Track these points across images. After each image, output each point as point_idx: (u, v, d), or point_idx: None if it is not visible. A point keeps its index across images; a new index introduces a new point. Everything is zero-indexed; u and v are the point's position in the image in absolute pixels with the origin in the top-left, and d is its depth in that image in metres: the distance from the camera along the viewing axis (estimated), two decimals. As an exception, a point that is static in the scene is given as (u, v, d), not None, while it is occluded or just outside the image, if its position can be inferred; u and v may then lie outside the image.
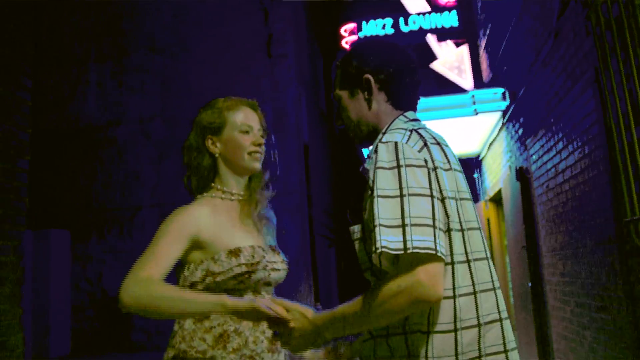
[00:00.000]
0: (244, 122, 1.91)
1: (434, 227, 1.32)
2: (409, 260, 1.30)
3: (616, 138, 3.45)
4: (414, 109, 1.67)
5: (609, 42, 3.44)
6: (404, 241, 1.30)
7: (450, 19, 9.49)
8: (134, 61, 9.33)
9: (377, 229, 1.32)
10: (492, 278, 1.52)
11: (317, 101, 12.48)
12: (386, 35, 9.72)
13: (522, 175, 6.58)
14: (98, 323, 8.59)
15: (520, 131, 6.61)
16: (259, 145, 1.91)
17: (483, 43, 8.83)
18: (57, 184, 9.02)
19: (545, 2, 5.11)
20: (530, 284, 6.46)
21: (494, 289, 1.50)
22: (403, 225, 1.31)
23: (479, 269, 1.46)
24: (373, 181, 1.39)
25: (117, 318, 8.58)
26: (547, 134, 5.38)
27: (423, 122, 1.64)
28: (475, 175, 10.21)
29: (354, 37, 10.03)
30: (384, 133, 1.56)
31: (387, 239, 1.30)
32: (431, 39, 9.32)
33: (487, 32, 8.38)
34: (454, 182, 1.49)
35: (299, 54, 9.85)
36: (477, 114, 7.24)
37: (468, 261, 1.44)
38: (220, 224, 1.83)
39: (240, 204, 1.94)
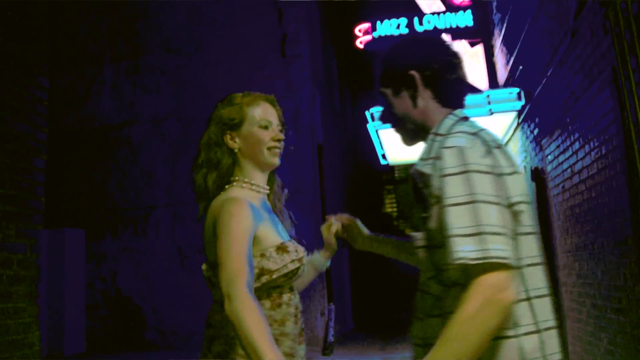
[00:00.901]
0: (263, 117, 1.89)
1: (506, 235, 1.30)
2: (483, 269, 1.28)
3: (635, 138, 3.41)
4: (462, 106, 1.62)
5: (628, 41, 3.40)
6: (482, 250, 1.27)
7: (465, 19, 9.44)
8: (148, 61, 9.39)
9: (452, 240, 1.30)
10: (546, 284, 1.48)
11: (331, 101, 12.47)
12: (400, 35, 9.68)
13: (537, 175, 6.53)
14: (112, 321, 8.65)
15: (536, 131, 6.56)
16: (279, 140, 1.89)
17: (498, 43, 8.78)
18: (72, 183, 9.09)
19: (561, 1, 5.07)
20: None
21: (548, 295, 1.46)
22: (479, 234, 1.28)
23: (534, 275, 1.43)
24: (440, 189, 1.36)
25: (131, 317, 8.63)
26: (563, 134, 5.33)
27: (473, 120, 1.59)
28: (490, 176, 10.15)
29: (369, 37, 10.00)
30: (437, 133, 1.52)
31: (464, 249, 1.28)
32: (446, 38, 9.26)
33: (502, 32, 8.33)
34: (517, 185, 1.43)
35: (313, 54, 9.84)
36: (492, 113, 7.19)
37: (530, 265, 1.42)
38: (263, 215, 1.80)
39: (267, 198, 1.93)
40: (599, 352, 4.66)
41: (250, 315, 1.49)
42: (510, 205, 1.36)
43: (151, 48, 9.42)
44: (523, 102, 6.99)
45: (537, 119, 6.50)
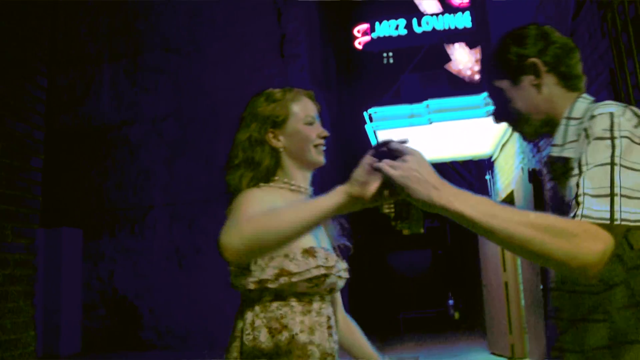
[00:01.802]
0: (308, 114, 1.78)
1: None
2: (612, 231, 1.20)
3: (631, 140, 3.41)
4: (584, 90, 1.54)
5: (625, 44, 3.40)
6: (612, 212, 1.20)
7: (463, 20, 9.46)
8: (148, 61, 9.39)
9: (581, 198, 1.23)
10: None
11: (329, 101, 12.47)
12: (399, 36, 9.69)
13: (534, 177, 6.53)
14: (109, 321, 8.64)
15: (534, 133, 6.57)
16: (324, 137, 1.79)
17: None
18: (70, 182, 9.09)
19: (560, 3, 5.08)
20: (541, 287, 6.42)
21: None
22: (612, 195, 1.21)
23: None
24: (584, 155, 1.28)
25: (128, 317, 8.63)
26: (561, 136, 5.33)
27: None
28: (487, 177, 10.16)
29: (367, 38, 10.02)
30: (571, 117, 1.45)
31: (592, 208, 1.21)
32: (444, 40, 9.29)
33: (501, 33, 8.34)
34: None
35: (312, 54, 9.85)
36: (489, 115, 7.20)
37: None
38: None
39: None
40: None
41: (250, 226, 1.38)
42: None
43: (150, 48, 9.42)
44: (521, 103, 7.00)
45: (535, 120, 6.52)
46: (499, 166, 9.24)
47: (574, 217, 1.21)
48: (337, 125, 13.88)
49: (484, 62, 1.66)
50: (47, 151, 4.31)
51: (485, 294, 9.72)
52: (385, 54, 21.54)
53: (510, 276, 8.44)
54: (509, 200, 8.45)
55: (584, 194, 1.23)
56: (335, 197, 1.32)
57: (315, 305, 1.66)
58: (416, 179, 1.22)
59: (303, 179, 1.79)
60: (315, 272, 1.61)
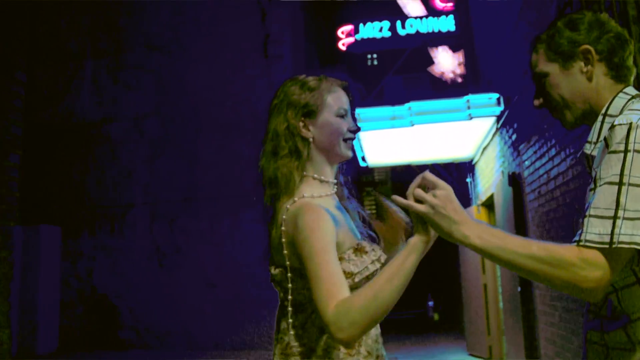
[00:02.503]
0: (341, 106, 1.72)
1: None
2: (613, 255, 1.23)
3: (608, 145, 3.45)
4: (631, 83, 1.51)
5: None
6: (612, 234, 1.22)
7: (447, 24, 9.52)
8: (130, 58, 9.32)
9: (586, 220, 1.26)
10: None
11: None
12: (383, 38, 9.73)
13: (514, 180, 6.60)
14: (87, 320, 8.56)
15: (514, 137, 6.63)
16: (355, 131, 1.74)
17: (479, 48, 8.86)
18: (49, 179, 8.99)
19: (541, 9, 5.14)
20: (519, 289, 6.49)
21: None
22: (615, 218, 1.22)
23: None
24: (600, 167, 1.30)
25: (107, 316, 8.56)
26: (540, 140, 5.40)
27: None
28: (468, 180, 10.24)
29: (351, 40, 10.05)
30: (608, 114, 1.44)
31: (594, 232, 1.24)
32: (428, 42, 9.35)
33: (484, 38, 8.41)
34: None
35: (296, 55, 9.85)
36: (471, 118, 7.26)
37: None
38: (337, 216, 1.63)
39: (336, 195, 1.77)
40: (570, 354, 4.73)
41: (360, 320, 1.40)
42: None
43: (133, 45, 9.36)
44: (502, 107, 7.06)
45: (515, 124, 6.58)
46: (479, 169, 9.31)
47: (578, 239, 1.26)
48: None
49: (532, 41, 1.61)
50: (26, 147, 4.26)
51: (464, 296, 9.79)
52: (369, 56, 21.58)
53: (489, 279, 8.51)
54: (489, 203, 8.53)
55: (589, 215, 1.26)
56: (417, 251, 1.43)
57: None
58: (440, 215, 1.35)
59: (331, 172, 1.74)
60: (372, 268, 1.62)
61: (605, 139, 1.33)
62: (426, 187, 1.40)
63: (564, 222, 4.77)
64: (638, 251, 1.27)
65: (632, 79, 1.51)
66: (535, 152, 5.64)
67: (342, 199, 1.79)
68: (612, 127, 1.31)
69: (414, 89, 9.71)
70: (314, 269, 1.47)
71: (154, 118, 9.10)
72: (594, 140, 1.43)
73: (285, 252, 1.57)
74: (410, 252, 1.43)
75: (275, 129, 1.71)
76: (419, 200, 1.39)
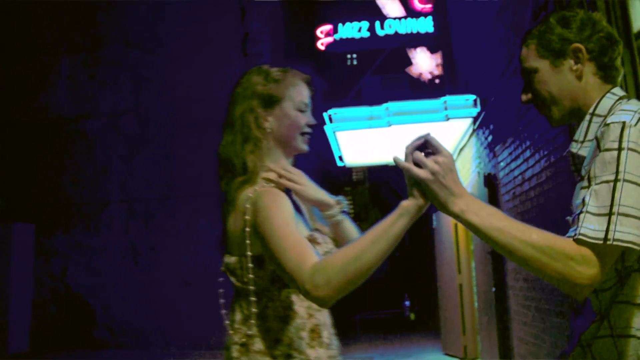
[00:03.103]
0: (302, 100, 1.73)
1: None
2: (607, 252, 1.24)
3: (581, 148, 3.51)
4: (618, 84, 1.51)
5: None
6: (606, 231, 1.23)
7: (425, 25, 9.58)
8: (107, 54, 9.23)
9: (582, 215, 1.26)
10: None
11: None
12: (362, 39, 9.76)
13: (490, 181, 6.66)
14: (60, 319, 8.46)
15: (490, 138, 6.70)
16: (312, 126, 1.75)
17: (457, 49, 8.93)
18: (24, 176, 8.86)
19: (517, 12, 5.20)
20: (494, 289, 6.55)
21: None
22: (610, 214, 1.23)
23: None
24: (593, 167, 1.30)
25: (81, 314, 8.46)
26: (515, 142, 5.46)
27: (635, 100, 1.46)
28: (445, 181, 10.31)
29: (330, 39, 10.06)
30: (596, 114, 1.44)
31: (589, 227, 1.24)
32: (406, 43, 9.40)
33: (462, 40, 8.48)
34: None
35: (275, 53, 9.83)
36: (448, 119, 7.31)
37: None
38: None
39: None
40: (542, 353, 4.79)
41: (337, 279, 1.36)
42: None
43: (111, 41, 9.27)
44: (479, 109, 7.13)
45: (491, 126, 6.65)
46: (457, 170, 9.38)
47: (573, 234, 1.26)
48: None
49: (523, 36, 1.61)
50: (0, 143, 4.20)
51: (440, 296, 9.86)
52: (349, 56, 21.63)
53: (464, 279, 8.59)
54: (465, 203, 8.60)
55: (587, 212, 1.26)
56: (409, 214, 1.36)
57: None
58: (439, 184, 1.30)
59: (285, 163, 1.74)
60: None
61: (596, 138, 1.34)
62: (426, 151, 1.33)
63: (539, 223, 4.82)
64: (623, 252, 1.28)
65: (619, 79, 1.53)
66: (510, 154, 5.70)
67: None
68: (606, 125, 1.32)
69: (393, 90, 9.75)
70: (278, 242, 1.46)
71: (131, 115, 9.02)
72: (581, 139, 1.44)
73: (247, 241, 1.56)
74: (401, 216, 1.37)
75: (237, 116, 1.71)
76: (418, 165, 1.32)
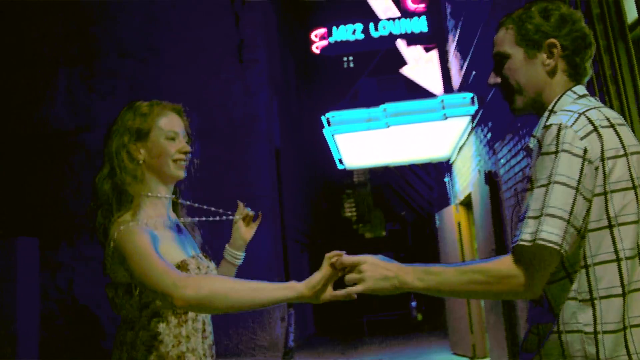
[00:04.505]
0: (170, 129, 1.86)
1: (568, 222, 1.27)
2: (532, 251, 1.28)
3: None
4: (583, 84, 1.53)
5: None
6: (535, 232, 1.28)
7: (419, 25, 9.59)
8: (104, 66, 9.24)
9: (524, 221, 1.31)
10: None
11: (288, 106, 12.49)
12: (356, 41, 9.78)
13: (490, 179, 6.68)
14: (68, 331, 8.47)
15: (489, 135, 6.71)
16: (185, 153, 1.86)
17: (452, 48, 8.95)
18: (26, 190, 8.87)
19: (512, 8, 5.21)
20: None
21: None
22: (540, 216, 1.28)
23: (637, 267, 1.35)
24: (533, 169, 1.35)
25: (88, 326, 8.47)
26: (515, 138, 5.47)
27: (593, 98, 1.49)
28: (446, 180, 10.33)
29: (324, 43, 10.09)
30: (553, 111, 1.47)
31: (527, 232, 1.29)
32: (401, 44, 9.42)
33: (456, 38, 8.50)
34: (633, 168, 1.34)
35: (271, 58, 9.86)
36: (446, 118, 7.33)
37: (633, 257, 1.33)
38: (163, 235, 1.78)
39: (173, 210, 1.94)
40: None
41: (209, 285, 1.52)
42: (600, 194, 1.31)
43: (106, 52, 9.28)
44: (476, 106, 7.14)
45: (489, 123, 6.66)
46: (457, 169, 9.40)
47: (515, 241, 1.33)
48: (297, 129, 13.90)
49: (502, 17, 1.65)
50: (0, 158, 4.22)
51: (445, 294, 9.85)
52: (345, 58, 21.67)
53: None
54: (467, 202, 8.62)
55: (527, 217, 1.32)
56: (289, 293, 1.53)
57: (191, 314, 1.75)
58: (376, 281, 1.44)
59: (165, 190, 1.87)
60: None
61: (538, 139, 1.39)
62: (348, 268, 1.48)
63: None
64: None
65: (585, 80, 1.54)
66: (510, 150, 5.72)
67: (180, 216, 1.95)
68: (545, 127, 1.37)
69: (389, 91, 9.77)
70: (141, 267, 1.59)
71: (130, 126, 9.04)
72: (536, 134, 1.47)
73: (113, 267, 1.72)
74: (287, 288, 1.54)
75: (111, 151, 1.85)
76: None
